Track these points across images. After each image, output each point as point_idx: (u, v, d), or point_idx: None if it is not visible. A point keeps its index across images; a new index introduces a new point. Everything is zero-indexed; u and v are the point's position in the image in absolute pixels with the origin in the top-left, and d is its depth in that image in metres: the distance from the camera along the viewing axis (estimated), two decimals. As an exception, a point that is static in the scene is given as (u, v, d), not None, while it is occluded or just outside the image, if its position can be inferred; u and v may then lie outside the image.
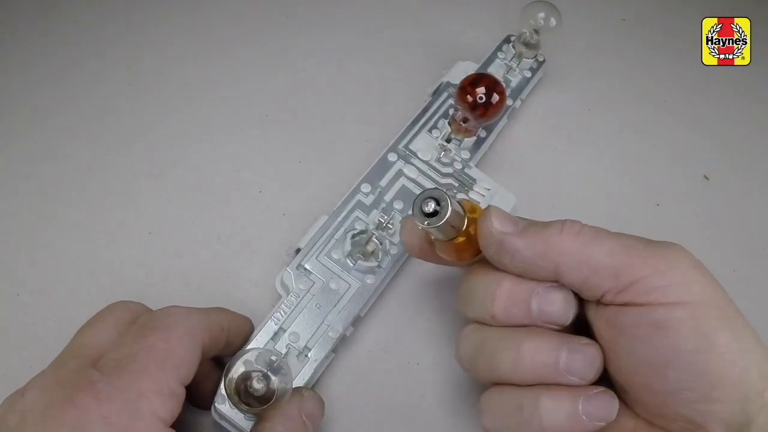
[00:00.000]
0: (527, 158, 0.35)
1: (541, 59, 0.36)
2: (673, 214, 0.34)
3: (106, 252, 0.29)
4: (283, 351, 0.23)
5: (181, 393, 0.19)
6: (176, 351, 0.19)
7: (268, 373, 0.19)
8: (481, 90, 0.27)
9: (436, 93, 0.33)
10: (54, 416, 0.16)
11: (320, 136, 0.34)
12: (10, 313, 0.27)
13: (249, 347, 0.23)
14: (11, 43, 0.37)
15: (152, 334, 0.19)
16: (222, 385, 0.21)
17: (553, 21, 0.34)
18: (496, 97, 0.27)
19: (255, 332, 0.24)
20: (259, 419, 0.20)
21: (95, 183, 0.31)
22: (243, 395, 0.19)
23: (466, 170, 0.30)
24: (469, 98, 0.27)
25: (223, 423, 0.22)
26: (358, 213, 0.27)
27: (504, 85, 0.28)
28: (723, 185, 0.36)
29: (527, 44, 0.35)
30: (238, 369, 0.19)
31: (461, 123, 0.29)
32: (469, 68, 0.34)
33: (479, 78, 0.28)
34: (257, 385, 0.19)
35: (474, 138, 0.31)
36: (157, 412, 0.17)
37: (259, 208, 0.31)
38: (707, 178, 0.36)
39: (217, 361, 0.24)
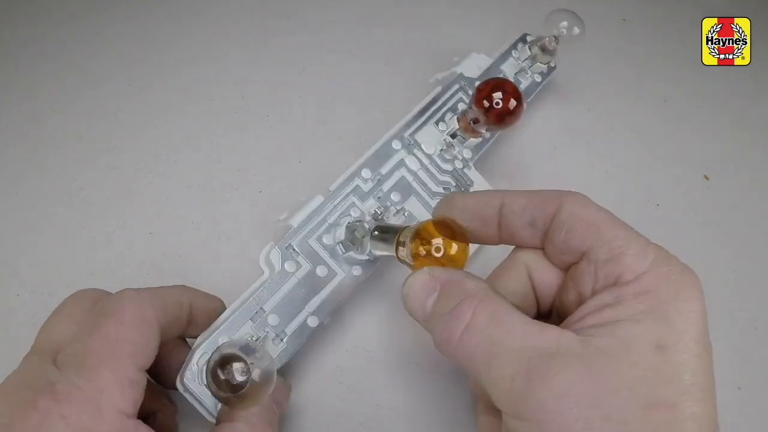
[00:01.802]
0: (527, 158, 0.35)
1: (552, 65, 0.35)
2: (673, 214, 0.34)
3: (106, 252, 0.29)
4: (261, 333, 0.23)
5: (142, 379, 0.18)
6: (130, 336, 0.18)
7: (253, 365, 0.19)
8: (498, 95, 0.26)
9: (447, 83, 0.32)
10: (16, 423, 0.16)
11: (321, 136, 0.34)
12: (10, 313, 0.27)
13: (223, 326, 0.22)
14: (12, 43, 0.37)
15: (104, 322, 0.18)
16: (191, 362, 0.20)
17: (576, 30, 0.33)
18: (513, 104, 0.26)
19: (235, 310, 0.23)
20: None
21: (95, 183, 0.31)
22: (219, 380, 0.18)
23: (465, 170, 0.30)
24: (486, 103, 0.26)
25: (188, 396, 0.21)
26: (354, 199, 0.26)
27: (524, 100, 0.27)
28: (723, 185, 0.36)
29: (544, 49, 0.34)
30: (221, 351, 0.19)
31: (471, 122, 0.29)
32: (482, 62, 0.33)
33: (502, 86, 0.26)
34: (239, 378, 0.18)
35: (479, 139, 0.30)
36: (118, 406, 0.17)
37: (259, 208, 0.31)
38: (707, 178, 0.36)
39: (183, 339, 0.24)
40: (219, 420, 0.21)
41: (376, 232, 0.23)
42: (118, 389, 0.17)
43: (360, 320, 0.28)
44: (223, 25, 0.40)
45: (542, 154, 0.35)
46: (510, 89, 0.26)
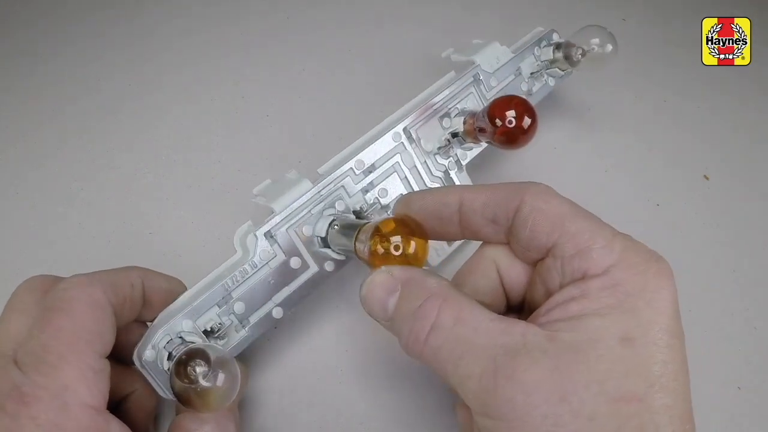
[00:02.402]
0: (526, 159, 0.35)
1: (570, 71, 0.34)
2: (673, 214, 0.34)
3: (106, 252, 0.29)
4: (225, 321, 0.22)
5: (105, 366, 0.18)
6: (84, 325, 0.18)
7: (219, 372, 0.18)
8: (512, 114, 0.25)
9: (462, 71, 0.30)
10: None
11: (320, 135, 0.34)
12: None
13: (188, 308, 0.21)
14: (13, 45, 0.37)
15: (56, 316, 0.18)
16: (151, 340, 0.20)
17: (607, 49, 0.32)
18: (527, 123, 0.25)
19: (202, 292, 0.22)
20: None
21: (95, 183, 0.31)
22: (183, 379, 0.18)
23: (457, 173, 0.29)
24: (498, 121, 0.25)
25: (144, 373, 0.21)
26: (342, 192, 0.25)
27: (536, 128, 0.26)
28: (723, 185, 0.36)
29: (568, 58, 0.33)
30: (191, 351, 0.18)
31: (477, 130, 0.28)
32: (502, 55, 0.32)
33: (524, 111, 0.25)
34: (203, 382, 0.18)
35: (478, 145, 0.30)
36: (85, 401, 0.17)
37: (259, 209, 0.31)
38: (707, 178, 0.36)
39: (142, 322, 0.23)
40: (179, 410, 0.21)
41: (336, 226, 0.23)
42: (83, 383, 0.17)
43: (360, 320, 0.28)
44: (223, 26, 0.40)
45: (542, 154, 0.35)
46: (528, 116, 0.25)
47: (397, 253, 0.18)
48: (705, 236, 0.33)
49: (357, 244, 0.20)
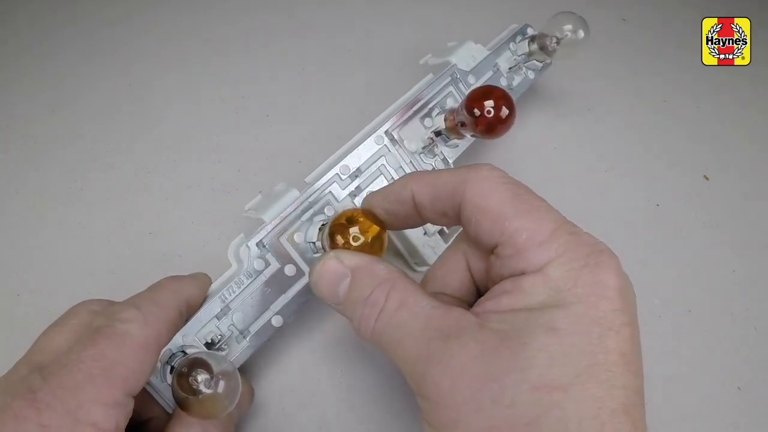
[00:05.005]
0: (527, 158, 0.35)
1: (548, 62, 0.35)
2: (673, 214, 0.34)
3: (106, 252, 0.29)
4: (225, 332, 0.23)
5: (129, 403, 0.18)
6: (128, 363, 0.18)
7: (220, 379, 0.18)
8: (489, 104, 0.25)
9: (439, 72, 0.31)
10: None
11: (321, 136, 0.34)
12: (10, 313, 0.27)
13: (188, 323, 0.22)
14: (12, 44, 0.37)
15: (103, 341, 0.18)
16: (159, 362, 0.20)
17: (580, 35, 0.32)
18: (505, 113, 0.25)
19: (201, 306, 0.23)
20: None
21: (95, 183, 0.31)
22: (185, 387, 0.18)
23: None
24: (477, 112, 0.25)
25: (148, 388, 0.21)
26: (330, 197, 0.25)
27: (514, 118, 0.25)
28: (723, 185, 0.36)
29: (543, 48, 0.33)
30: (192, 359, 0.18)
31: (458, 125, 0.28)
32: (478, 53, 0.32)
33: (501, 100, 0.25)
34: (204, 389, 0.18)
35: (463, 140, 0.30)
36: (97, 424, 0.17)
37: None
38: (707, 178, 0.36)
39: None
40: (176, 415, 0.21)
41: (322, 225, 0.24)
42: (101, 407, 0.17)
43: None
44: (224, 26, 0.40)
45: (542, 154, 0.35)
46: (507, 103, 0.25)
47: (356, 244, 0.19)
48: (705, 236, 0.33)
49: (323, 241, 0.21)
